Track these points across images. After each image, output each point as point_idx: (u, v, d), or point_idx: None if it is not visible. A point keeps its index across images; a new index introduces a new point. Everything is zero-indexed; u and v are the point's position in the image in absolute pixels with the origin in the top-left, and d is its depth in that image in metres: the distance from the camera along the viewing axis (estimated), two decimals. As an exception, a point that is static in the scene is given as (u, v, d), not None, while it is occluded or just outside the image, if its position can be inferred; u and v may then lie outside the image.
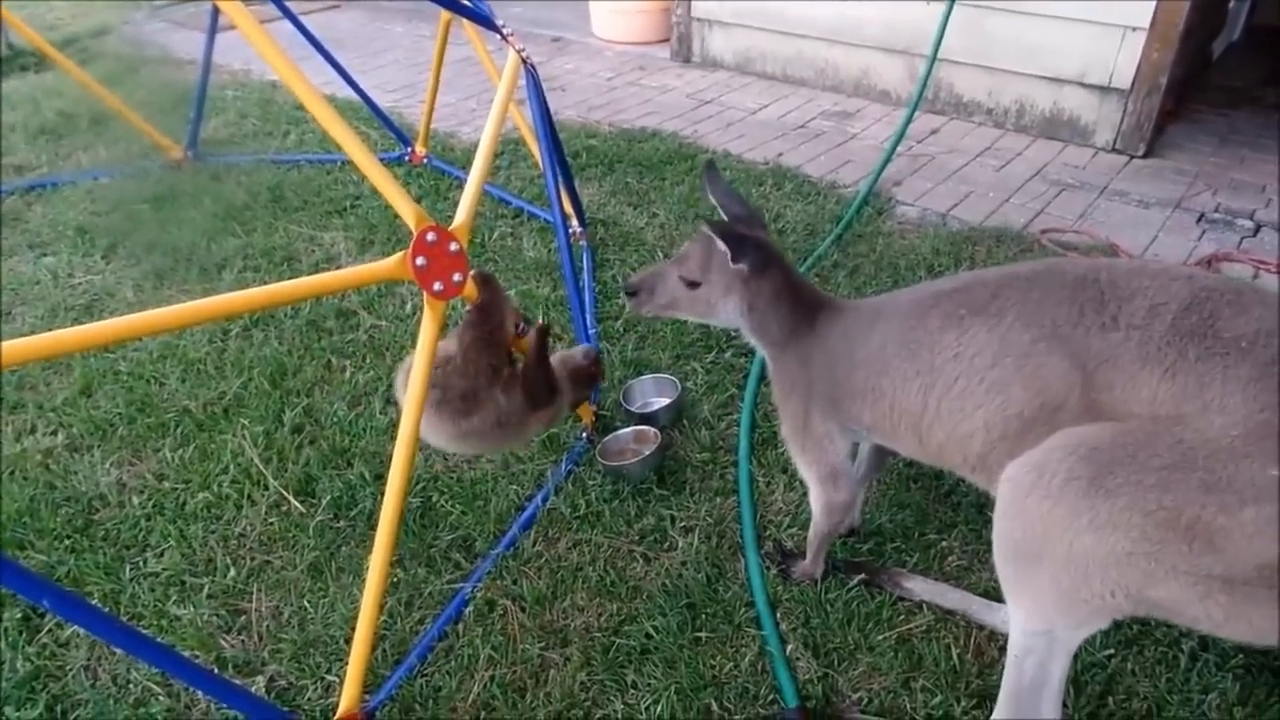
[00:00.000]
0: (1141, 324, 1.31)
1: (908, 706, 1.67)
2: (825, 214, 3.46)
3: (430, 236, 1.63)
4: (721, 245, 1.72)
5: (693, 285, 1.82)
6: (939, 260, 3.09)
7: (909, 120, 3.84)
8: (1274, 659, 1.70)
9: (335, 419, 2.44)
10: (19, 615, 1.91)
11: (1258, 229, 3.32)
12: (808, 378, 1.77)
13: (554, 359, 2.11)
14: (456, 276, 1.67)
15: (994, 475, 1.46)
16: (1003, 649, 1.76)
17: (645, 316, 2.25)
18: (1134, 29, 3.76)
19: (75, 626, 1.88)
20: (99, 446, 2.38)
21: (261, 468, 2.27)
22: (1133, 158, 3.96)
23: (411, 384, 1.73)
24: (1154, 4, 3.66)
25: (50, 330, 1.26)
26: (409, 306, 2.92)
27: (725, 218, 1.88)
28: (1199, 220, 3.40)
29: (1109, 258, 1.45)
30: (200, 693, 1.73)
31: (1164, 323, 1.30)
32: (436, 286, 1.65)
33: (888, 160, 3.73)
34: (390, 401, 2.50)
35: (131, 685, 1.77)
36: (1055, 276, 1.44)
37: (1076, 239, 3.25)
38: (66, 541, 2.09)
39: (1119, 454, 1.26)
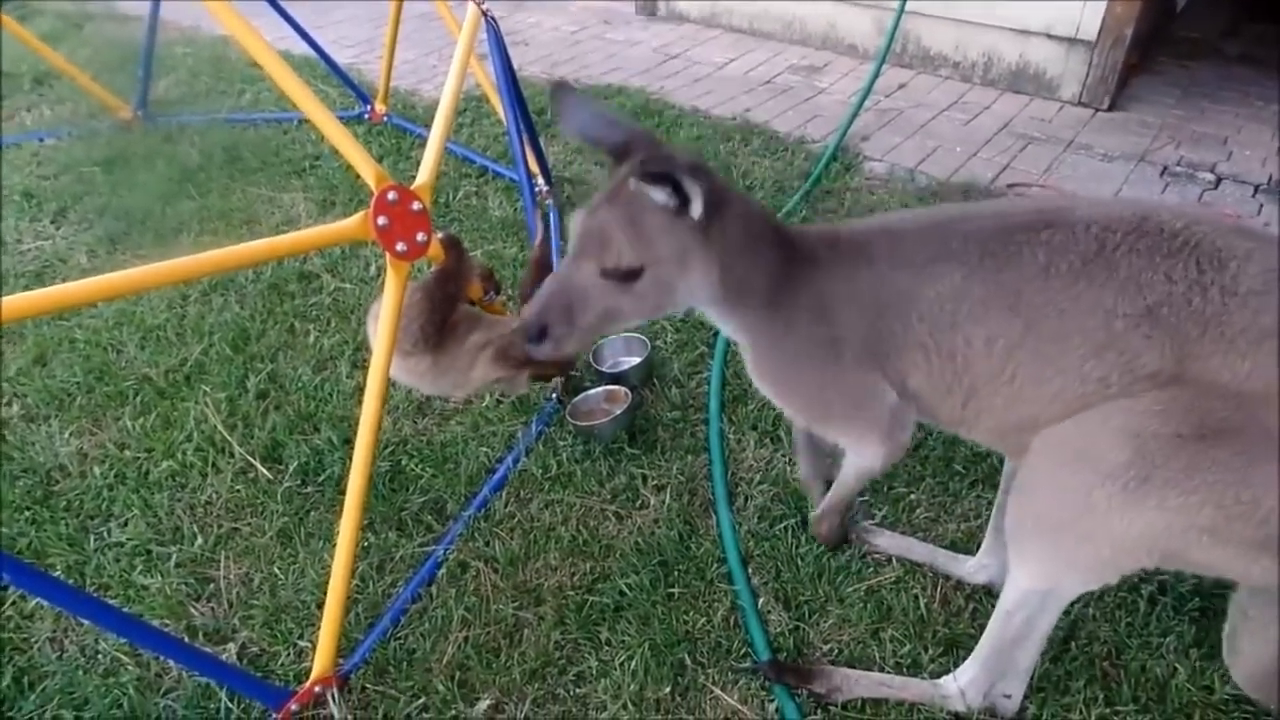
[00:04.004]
0: (1247, 291, 1.17)
1: (877, 656, 1.71)
2: (794, 170, 3.44)
3: (391, 196, 1.59)
4: (660, 196, 1.25)
5: (630, 276, 1.30)
6: (907, 215, 3.08)
7: (876, 74, 3.81)
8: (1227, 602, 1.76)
9: (300, 384, 2.40)
10: (-20, 589, 1.87)
11: (1219, 181, 3.35)
12: (828, 334, 1.41)
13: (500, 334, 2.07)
14: (420, 236, 1.64)
15: (1024, 442, 1.34)
16: (969, 597, 1.80)
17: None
18: (1100, -20, 3.75)
19: (38, 599, 1.85)
20: (56, 416, 2.33)
21: (226, 434, 2.23)
22: (1097, 111, 3.98)
23: (376, 350, 1.70)
24: (1120, -46, 3.65)
25: (-4, 297, 1.22)
26: (373, 269, 2.87)
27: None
28: (1162, 173, 3.43)
29: (1202, 207, 1.37)
30: (171, 661, 1.72)
31: (1268, 293, 1.17)
32: (399, 247, 1.62)
33: (855, 115, 3.70)
34: (357, 366, 2.46)
35: (100, 655, 1.75)
36: (1157, 225, 1.24)
37: (1042, 193, 3.27)
38: (26, 513, 2.04)
39: (1189, 445, 1.17)
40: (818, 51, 4.73)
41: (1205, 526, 1.19)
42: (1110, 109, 3.98)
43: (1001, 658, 1.50)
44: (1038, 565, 1.35)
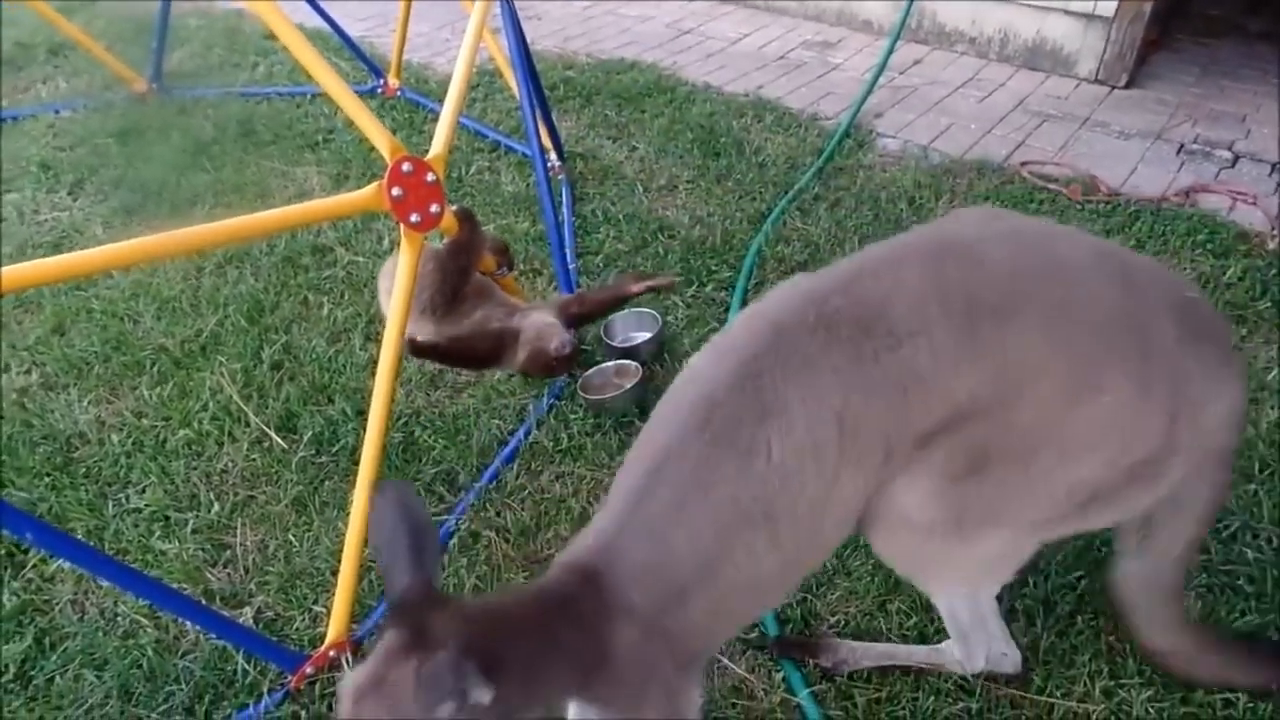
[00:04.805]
0: (917, 328, 1.16)
1: (883, 628, 1.72)
2: (806, 147, 3.42)
3: (406, 167, 1.61)
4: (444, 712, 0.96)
5: None
6: (920, 193, 3.08)
7: (890, 50, 3.78)
8: (1228, 570, 1.77)
9: (314, 355, 2.42)
10: (2, 551, 1.91)
11: (1236, 160, 3.32)
12: (648, 661, 1.20)
13: (530, 322, 2.09)
14: (434, 208, 1.66)
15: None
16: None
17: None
18: (1120, -45, 3.70)
19: (60, 561, 1.89)
20: (75, 385, 2.36)
21: (242, 404, 2.26)
22: (1114, 88, 3.93)
23: (390, 321, 1.72)
24: (1141, -71, 3.59)
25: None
26: (386, 243, 2.88)
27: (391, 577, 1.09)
28: (1178, 151, 3.39)
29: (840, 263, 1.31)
30: (189, 624, 1.75)
31: (937, 318, 1.17)
32: (413, 218, 1.63)
33: (869, 92, 3.68)
34: (370, 338, 2.48)
35: (119, 618, 1.79)
36: (797, 326, 1.20)
37: (1057, 171, 3.24)
38: (47, 479, 2.08)
39: (970, 479, 1.22)
40: (832, 27, 4.69)
41: (1037, 521, 1.29)
42: (1128, 86, 3.93)
43: (972, 639, 1.54)
44: (936, 587, 1.46)
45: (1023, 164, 3.28)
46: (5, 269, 1.26)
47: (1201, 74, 4.06)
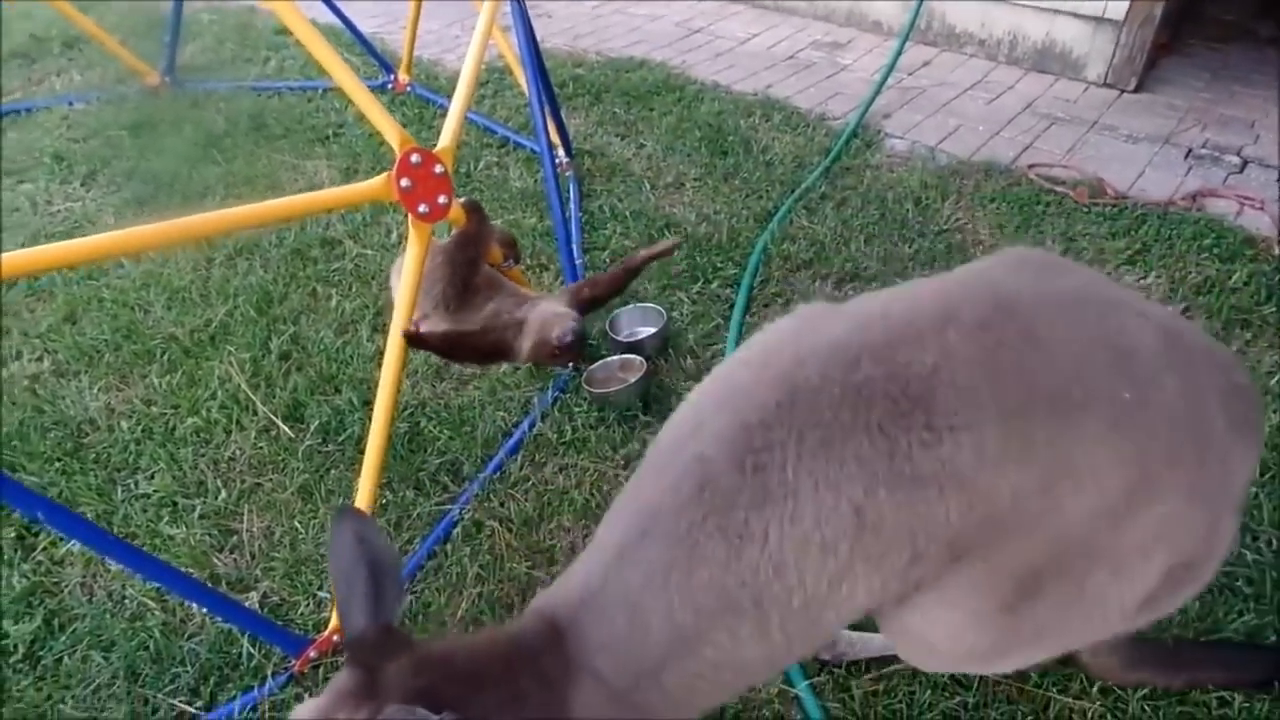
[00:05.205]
0: (962, 422, 1.01)
1: (881, 621, 1.74)
2: (814, 146, 3.43)
3: (414, 158, 1.63)
4: None
5: None
6: (927, 194, 3.08)
7: (899, 52, 3.79)
8: (1227, 572, 1.78)
9: (322, 346, 2.44)
10: (13, 534, 1.94)
11: (1244, 165, 3.32)
12: None
13: (537, 312, 2.09)
14: (442, 199, 1.68)
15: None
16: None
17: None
18: (1130, -42, 3.70)
19: (69, 544, 1.91)
20: (86, 372, 2.39)
21: (250, 394, 2.29)
22: (1123, 92, 3.94)
23: (397, 311, 1.74)
24: (1152, -68, 3.59)
25: (34, 246, 1.26)
26: (394, 235, 2.91)
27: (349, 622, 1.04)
28: (1186, 156, 3.40)
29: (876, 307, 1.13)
30: (195, 606, 1.78)
31: (987, 410, 1.02)
32: (421, 209, 1.65)
33: (877, 92, 3.69)
34: (377, 330, 2.50)
35: (127, 600, 1.81)
36: (818, 395, 1.04)
37: (1064, 173, 3.25)
38: (57, 464, 2.11)
39: (1021, 607, 1.09)
40: (841, 28, 4.70)
41: (1083, 640, 1.21)
42: (1137, 90, 3.93)
43: None
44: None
45: (1030, 166, 3.29)
46: (6, 255, 1.28)
47: (1211, 79, 4.05)
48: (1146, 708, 1.57)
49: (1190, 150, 3.43)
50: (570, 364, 2.30)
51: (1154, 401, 1.06)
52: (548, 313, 2.09)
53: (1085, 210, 2.99)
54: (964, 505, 1.02)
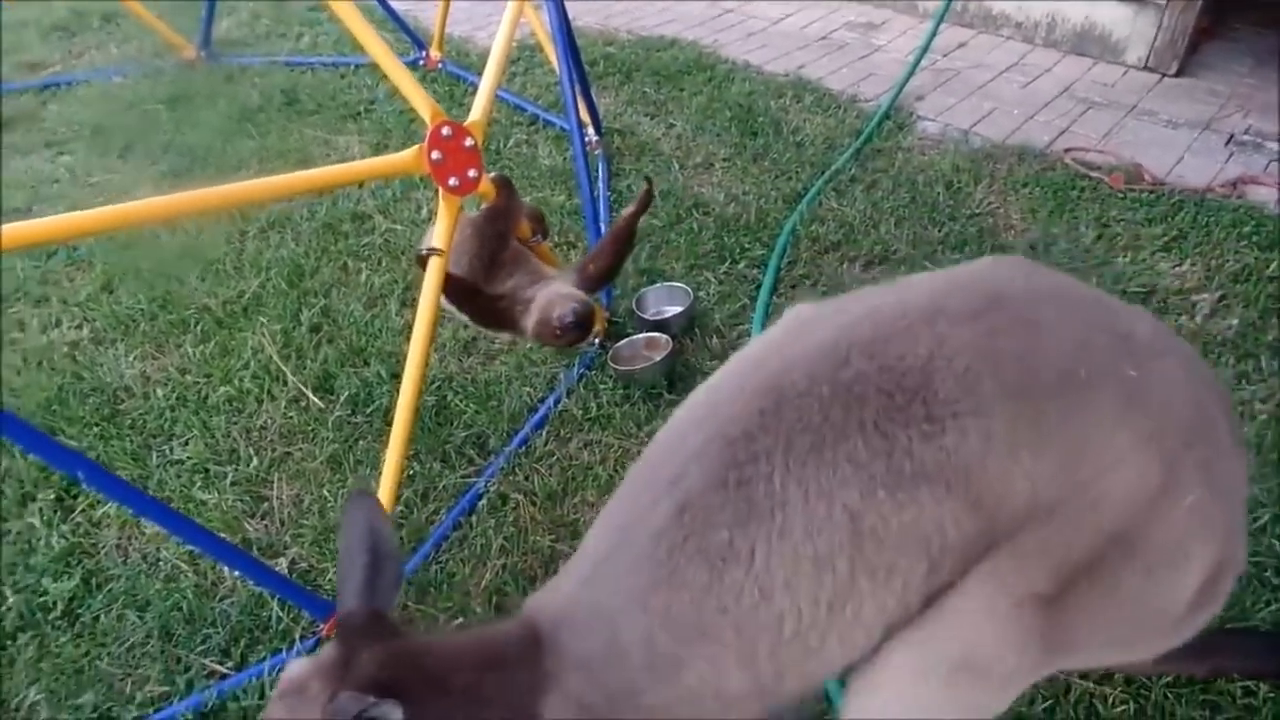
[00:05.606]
0: (965, 409, 0.94)
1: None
2: (845, 128, 3.40)
3: (445, 131, 1.64)
4: None
5: None
6: (959, 177, 3.05)
7: (934, 33, 3.74)
8: (1256, 562, 1.76)
9: (352, 319, 2.47)
10: (52, 496, 1.99)
11: (1287, 152, 3.25)
12: None
13: (545, 292, 2.06)
14: (471, 172, 1.69)
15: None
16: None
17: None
18: (1175, -61, 3.62)
19: (106, 507, 1.96)
20: (122, 340, 2.44)
21: (281, 364, 2.32)
22: (1164, 76, 3.86)
23: (426, 286, 1.76)
24: (1198, -88, 3.51)
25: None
26: (424, 211, 2.93)
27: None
28: (1227, 142, 3.33)
29: (864, 306, 1.07)
30: (226, 570, 1.82)
31: (990, 395, 0.95)
32: (451, 181, 1.67)
33: (911, 74, 3.65)
34: (405, 304, 2.53)
35: (161, 562, 1.86)
36: (805, 397, 0.98)
37: (1100, 159, 3.20)
38: (95, 429, 2.16)
39: (1060, 600, 0.98)
40: (876, 9, 4.64)
41: (1113, 650, 1.08)
42: (1178, 75, 3.85)
43: None
44: None
45: (1065, 151, 3.24)
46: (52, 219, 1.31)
47: (1256, 64, 3.96)
48: (1169, 695, 1.56)
49: (1231, 136, 3.36)
50: (572, 343, 2.20)
51: (1159, 379, 1.01)
52: (553, 293, 2.06)
53: (1121, 196, 2.94)
54: (975, 499, 0.94)
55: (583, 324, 2.00)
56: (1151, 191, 2.96)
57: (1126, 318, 1.08)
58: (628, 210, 2.17)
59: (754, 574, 0.96)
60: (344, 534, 1.09)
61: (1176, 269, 2.60)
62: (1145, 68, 3.92)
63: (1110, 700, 1.56)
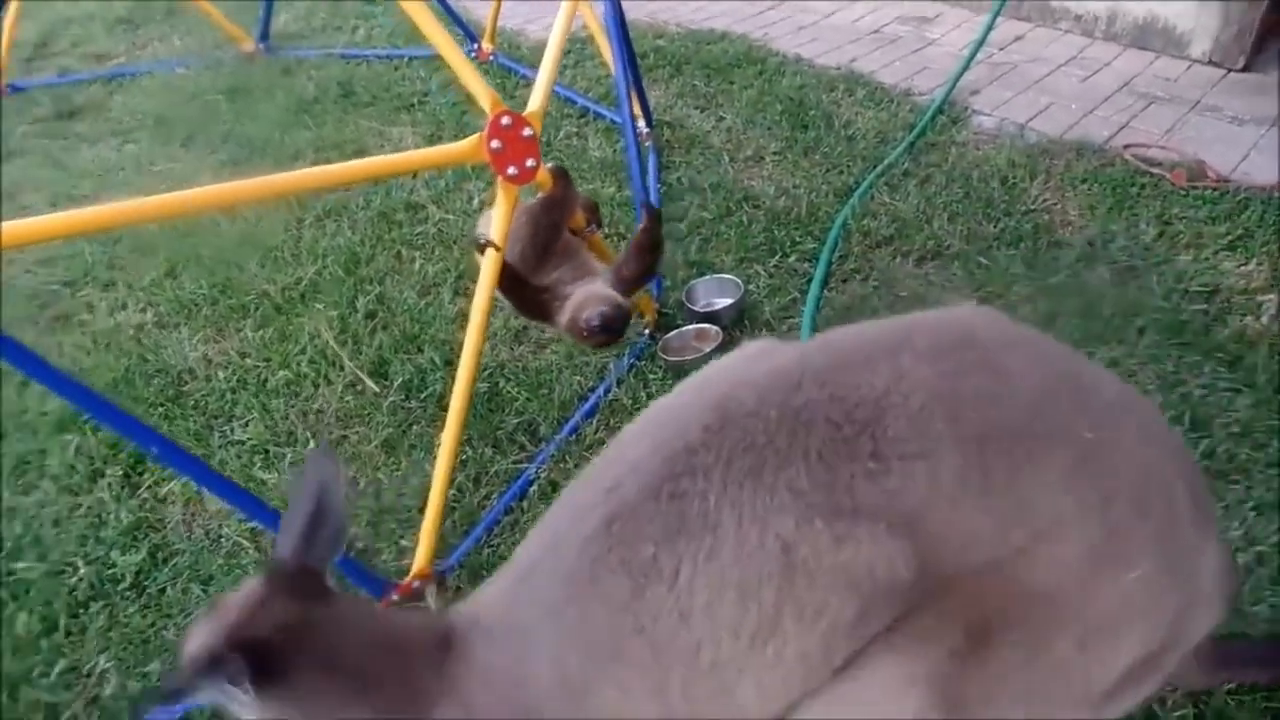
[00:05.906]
0: (914, 450, 0.91)
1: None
2: (898, 122, 3.37)
3: (505, 120, 1.66)
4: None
5: None
6: (1014, 173, 3.00)
7: (990, 26, 3.67)
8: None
9: (406, 306, 2.52)
10: (120, 473, 2.06)
11: (1358, 150, 3.14)
12: None
13: (581, 290, 2.03)
14: (530, 162, 1.71)
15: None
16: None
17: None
18: (1245, -71, 3.51)
19: (171, 484, 2.03)
20: (185, 324, 2.51)
21: (337, 349, 2.37)
22: (1230, 71, 3.75)
23: (483, 272, 1.78)
24: (1270, -99, 3.40)
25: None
26: (475, 202, 2.96)
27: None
28: (1295, 139, 3.23)
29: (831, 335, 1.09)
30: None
31: (942, 439, 0.91)
32: (510, 170, 1.69)
33: (966, 67, 3.59)
34: (459, 293, 2.57)
35: (223, 539, 1.91)
36: (751, 418, 0.95)
37: (1162, 155, 3.12)
38: (160, 409, 2.23)
39: (973, 655, 0.93)
40: (931, 2, 4.57)
41: (1042, 710, 1.00)
42: (1244, 70, 3.74)
43: None
44: None
45: (1125, 146, 3.17)
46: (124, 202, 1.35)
47: (1326, 59, 3.83)
48: (1230, 701, 1.53)
49: (1300, 133, 3.26)
50: (599, 345, 2.14)
51: (1118, 444, 0.97)
52: (588, 293, 2.02)
53: (1183, 193, 2.87)
54: (915, 545, 0.90)
55: (610, 328, 1.96)
56: (1215, 189, 2.89)
57: (1092, 377, 1.05)
58: (636, 241, 2.09)
59: (676, 593, 0.92)
60: (295, 487, 1.08)
61: (1242, 268, 2.53)
62: (1210, 62, 3.81)
63: (1168, 704, 1.54)
